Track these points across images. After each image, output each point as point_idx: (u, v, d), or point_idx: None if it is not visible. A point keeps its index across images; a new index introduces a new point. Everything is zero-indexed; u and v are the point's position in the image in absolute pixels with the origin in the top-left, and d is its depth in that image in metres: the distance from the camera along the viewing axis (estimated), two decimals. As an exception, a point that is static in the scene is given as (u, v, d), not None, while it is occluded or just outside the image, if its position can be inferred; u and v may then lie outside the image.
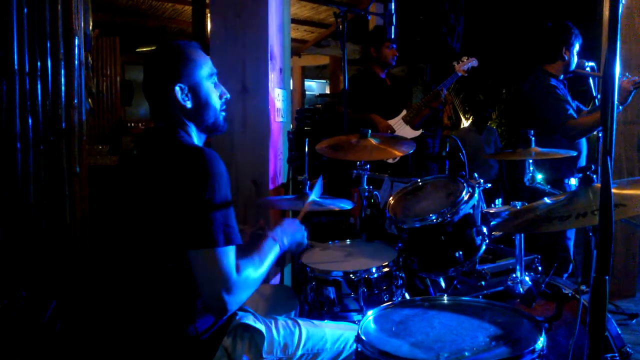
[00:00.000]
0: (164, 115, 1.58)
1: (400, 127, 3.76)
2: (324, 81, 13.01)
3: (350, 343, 1.65)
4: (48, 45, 3.01)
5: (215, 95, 1.63)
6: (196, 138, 1.62)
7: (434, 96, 3.74)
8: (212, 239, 1.36)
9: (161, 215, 1.42)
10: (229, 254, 1.39)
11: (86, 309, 3.05)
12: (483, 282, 2.21)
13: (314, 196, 2.00)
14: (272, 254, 1.58)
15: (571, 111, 2.99)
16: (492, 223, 1.90)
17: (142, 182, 1.50)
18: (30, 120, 2.99)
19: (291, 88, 11.03)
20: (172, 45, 1.59)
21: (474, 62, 3.78)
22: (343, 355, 1.64)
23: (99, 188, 3.42)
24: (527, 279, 2.09)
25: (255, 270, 1.48)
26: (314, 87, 13.71)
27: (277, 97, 2.89)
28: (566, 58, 3.13)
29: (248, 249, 1.53)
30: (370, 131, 2.25)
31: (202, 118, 1.60)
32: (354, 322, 1.83)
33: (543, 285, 1.46)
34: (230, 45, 2.85)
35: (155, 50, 1.62)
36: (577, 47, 3.17)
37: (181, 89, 1.55)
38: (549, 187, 2.08)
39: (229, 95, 1.67)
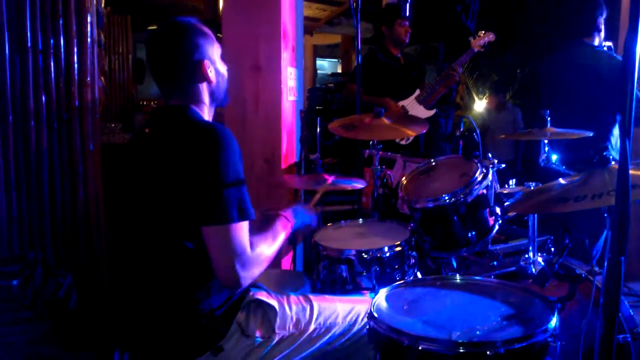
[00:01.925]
0: (181, 93, 1.58)
1: (414, 107, 3.73)
2: (336, 60, 12.93)
3: (362, 316, 1.65)
4: (61, 22, 3.01)
5: (225, 69, 1.69)
6: (207, 114, 1.64)
7: (448, 74, 3.69)
8: (226, 214, 1.39)
9: (176, 193, 1.44)
10: (243, 229, 1.42)
11: (101, 284, 3.10)
12: (495, 263, 2.21)
13: (325, 186, 2.01)
14: (283, 232, 1.63)
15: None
16: (505, 204, 1.89)
17: (156, 160, 1.52)
18: (44, 98, 3.01)
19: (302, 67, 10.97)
20: (192, 23, 1.59)
21: (490, 37, 3.70)
22: (355, 329, 1.65)
23: (112, 166, 3.44)
24: (539, 259, 2.09)
25: (268, 247, 1.52)
26: (326, 66, 13.62)
27: (290, 75, 2.88)
28: (601, 28, 3.01)
29: (261, 227, 1.56)
30: (383, 110, 2.23)
31: (219, 92, 1.66)
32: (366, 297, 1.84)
33: (556, 266, 1.46)
34: (243, 23, 2.84)
35: (168, 27, 1.59)
36: (603, 19, 3.06)
37: (208, 64, 1.58)
38: (564, 167, 2.06)
39: (225, 73, 1.71)
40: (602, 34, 3.02)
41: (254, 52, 2.84)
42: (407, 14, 2.66)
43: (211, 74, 1.60)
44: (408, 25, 3.73)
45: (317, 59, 11.73)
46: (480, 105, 8.71)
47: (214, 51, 1.62)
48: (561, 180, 1.58)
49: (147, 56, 1.60)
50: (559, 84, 3.04)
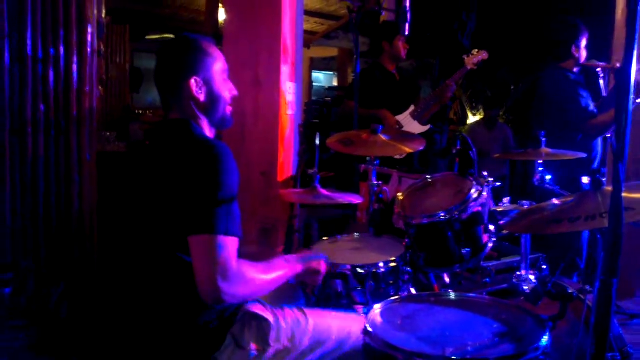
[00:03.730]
0: (177, 107, 1.62)
1: (409, 122, 3.76)
2: (332, 73, 13.00)
3: (356, 333, 1.66)
4: (62, 32, 3.03)
5: (226, 91, 1.68)
6: (207, 131, 1.66)
7: (443, 90, 3.74)
8: (212, 225, 1.38)
9: (171, 205, 1.46)
10: (229, 244, 1.40)
11: (94, 294, 3.09)
12: (488, 279, 2.24)
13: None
14: (279, 270, 1.59)
15: (592, 108, 3.01)
16: (500, 222, 1.92)
17: (154, 172, 1.54)
18: (42, 107, 3.02)
19: (299, 79, 11.02)
20: (189, 38, 1.63)
21: (484, 55, 3.77)
22: (347, 345, 1.66)
23: (107, 174, 3.44)
24: (531, 277, 2.11)
25: (256, 273, 1.48)
26: (321, 78, 13.69)
27: (289, 90, 2.91)
28: (576, 55, 3.16)
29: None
30: (381, 127, 2.26)
31: (214, 112, 1.65)
32: (359, 314, 1.85)
33: (549, 285, 1.48)
34: (243, 37, 2.87)
35: (172, 41, 1.67)
36: (584, 41, 3.19)
37: (196, 81, 1.59)
38: (557, 187, 2.09)
39: (236, 92, 1.72)
40: (582, 56, 3.16)
41: (254, 66, 2.88)
42: (407, 32, 2.71)
43: (199, 92, 1.60)
44: (405, 42, 3.79)
45: (313, 71, 11.79)
46: (472, 121, 8.79)
47: (214, 70, 1.63)
48: (555, 201, 1.61)
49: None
50: (543, 105, 3.19)
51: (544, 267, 2.28)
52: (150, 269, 1.55)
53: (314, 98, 10.23)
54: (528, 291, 2.06)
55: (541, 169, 2.11)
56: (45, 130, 3.02)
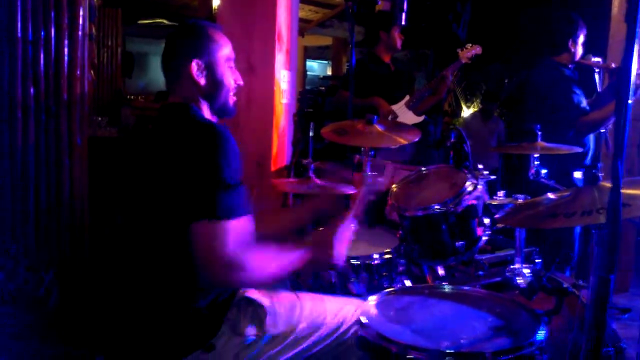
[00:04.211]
0: (179, 90, 1.62)
1: (403, 112, 3.75)
2: (326, 62, 12.94)
3: (350, 317, 1.65)
4: (52, 14, 2.99)
5: (230, 78, 1.68)
6: (208, 114, 1.65)
7: (439, 82, 3.73)
8: (214, 210, 1.36)
9: (171, 189, 1.44)
10: (234, 228, 1.38)
11: (85, 280, 3.07)
12: (481, 272, 2.24)
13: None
14: (298, 260, 1.55)
15: (584, 105, 3.01)
16: (495, 215, 1.92)
17: (154, 157, 1.53)
18: (32, 90, 2.98)
19: (292, 68, 10.95)
20: (196, 23, 1.65)
21: (477, 50, 3.78)
22: (342, 329, 1.64)
23: (98, 159, 3.41)
24: (526, 271, 2.11)
25: (268, 259, 1.46)
26: (315, 67, 13.64)
27: (283, 78, 2.88)
28: (572, 50, 3.15)
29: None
30: (376, 118, 2.24)
31: (214, 98, 1.65)
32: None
33: (544, 279, 1.48)
34: (238, 23, 2.84)
35: (180, 25, 1.69)
36: (582, 38, 3.18)
37: (198, 65, 1.60)
38: (553, 181, 2.09)
39: (241, 82, 1.72)
40: (578, 52, 3.15)
41: (248, 53, 2.84)
42: (404, 22, 2.68)
43: (200, 75, 1.60)
44: (401, 32, 3.77)
45: (307, 60, 11.72)
46: (466, 113, 8.79)
47: (218, 56, 1.63)
48: (550, 195, 1.60)
49: None
50: (536, 99, 3.18)
51: (538, 260, 2.28)
52: (144, 254, 1.54)
53: (308, 87, 10.18)
54: (522, 285, 2.06)
55: (537, 162, 2.10)
56: (36, 115, 2.99)
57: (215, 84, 1.63)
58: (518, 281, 2.09)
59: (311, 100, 4.97)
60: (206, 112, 1.64)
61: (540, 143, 2.12)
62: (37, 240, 3.01)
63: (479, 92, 8.47)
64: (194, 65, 1.59)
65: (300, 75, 10.68)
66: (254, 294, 1.58)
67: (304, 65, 11.09)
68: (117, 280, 1.67)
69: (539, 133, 2.12)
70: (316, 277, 1.92)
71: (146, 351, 1.53)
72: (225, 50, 1.65)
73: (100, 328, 2.45)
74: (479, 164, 2.09)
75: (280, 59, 2.84)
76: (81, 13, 3.09)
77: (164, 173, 1.45)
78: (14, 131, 2.91)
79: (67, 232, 3.09)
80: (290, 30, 2.95)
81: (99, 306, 2.70)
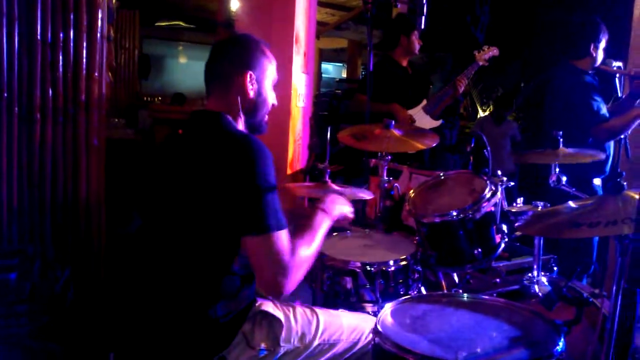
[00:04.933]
0: (221, 98, 1.62)
1: (421, 117, 3.72)
2: (341, 64, 12.93)
3: (366, 334, 1.65)
4: (72, 17, 3.00)
5: (271, 97, 1.71)
6: (241, 126, 1.66)
7: (456, 85, 3.70)
8: (268, 225, 1.40)
9: (204, 199, 1.45)
10: (283, 236, 1.42)
11: (100, 281, 3.08)
12: (498, 280, 2.21)
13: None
14: (323, 227, 1.61)
15: (604, 112, 2.96)
16: (514, 224, 1.89)
17: (186, 165, 1.52)
18: (50, 92, 3.00)
19: (308, 70, 10.95)
20: (252, 37, 1.67)
21: (494, 52, 3.75)
22: (358, 346, 1.65)
23: (114, 161, 3.43)
24: (543, 279, 2.08)
25: (308, 248, 1.51)
26: (330, 69, 13.63)
27: (300, 81, 2.87)
28: (594, 55, 3.10)
29: (299, 224, 1.56)
30: (394, 122, 2.23)
31: (255, 112, 1.67)
32: (369, 312, 1.83)
33: (564, 290, 1.45)
34: (255, 26, 2.83)
35: (234, 37, 1.74)
36: (603, 42, 3.13)
37: (251, 76, 1.61)
38: (574, 189, 2.05)
39: (276, 103, 1.74)
40: (599, 57, 3.10)
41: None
42: (423, 26, 2.67)
43: (251, 87, 1.62)
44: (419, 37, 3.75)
45: (322, 62, 11.73)
46: (482, 116, 8.71)
47: (267, 73, 1.66)
48: (571, 203, 1.57)
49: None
50: (554, 104, 3.14)
51: (555, 268, 2.25)
52: (166, 261, 1.54)
53: (323, 89, 10.17)
54: (539, 293, 2.04)
55: (557, 169, 2.06)
56: (54, 116, 3.00)
57: (260, 99, 1.66)
58: (536, 290, 2.06)
59: (326, 103, 4.96)
60: (240, 125, 1.64)
61: (563, 150, 2.08)
62: (54, 239, 3.03)
63: (496, 95, 8.40)
64: (248, 77, 1.60)
65: (315, 78, 10.69)
66: (269, 307, 1.57)
67: (319, 67, 11.09)
68: (134, 283, 1.67)
69: (561, 140, 2.08)
70: (331, 284, 1.91)
71: (158, 356, 1.53)
72: (273, 69, 1.69)
73: (114, 328, 2.46)
74: (496, 167, 2.06)
75: (297, 62, 2.83)
76: (99, 15, 3.10)
77: (201, 184, 1.46)
78: (32, 132, 2.93)
79: (83, 232, 3.11)
80: (307, 34, 2.94)
81: (113, 306, 2.71)
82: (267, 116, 1.73)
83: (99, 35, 3.12)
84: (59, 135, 3.01)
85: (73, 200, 3.11)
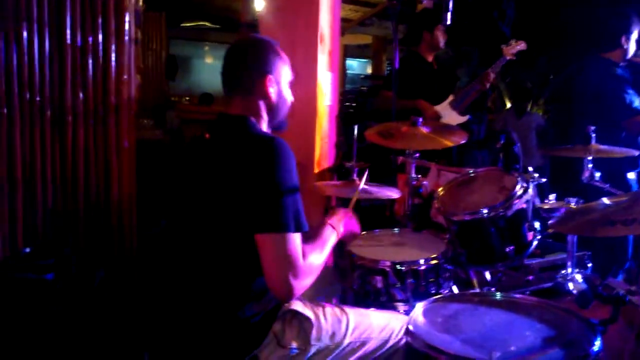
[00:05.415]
0: (243, 103, 1.64)
1: (448, 112, 3.68)
2: (366, 60, 12.87)
3: (397, 332, 1.64)
4: (100, 21, 3.05)
5: (289, 96, 1.75)
6: (265, 128, 1.68)
7: (483, 80, 3.64)
8: (284, 224, 1.41)
9: (233, 200, 1.47)
10: (297, 240, 1.44)
11: (132, 280, 3.13)
12: (531, 277, 2.18)
13: (362, 185, 1.99)
14: (330, 241, 1.63)
15: (637, 104, 2.89)
16: (547, 221, 1.85)
17: (214, 167, 1.55)
18: (81, 95, 3.06)
19: (332, 67, 10.94)
20: (265, 40, 1.70)
21: (522, 46, 3.68)
22: (389, 345, 1.64)
23: (144, 161, 3.48)
24: (578, 276, 2.04)
25: (318, 257, 1.53)
26: (355, 66, 13.58)
27: (325, 80, 2.87)
28: (625, 47, 3.03)
29: (308, 236, 1.57)
30: (421, 120, 2.21)
31: (277, 113, 1.70)
32: (400, 312, 1.82)
33: (600, 288, 1.42)
34: (280, 26, 2.84)
35: (248, 40, 1.75)
36: (636, 34, 3.05)
37: (271, 80, 1.64)
38: (608, 185, 2.00)
39: (293, 99, 1.77)
40: (630, 49, 3.03)
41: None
42: (448, 22, 2.63)
43: (272, 90, 1.64)
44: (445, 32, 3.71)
45: (347, 59, 11.69)
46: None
47: (283, 73, 1.69)
48: (605, 200, 1.53)
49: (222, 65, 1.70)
50: (585, 97, 3.07)
51: (590, 265, 2.20)
52: (198, 261, 1.57)
53: (348, 86, 10.15)
54: (574, 291, 2.00)
55: (590, 165, 2.01)
56: (85, 119, 3.06)
57: (281, 100, 1.69)
58: (570, 287, 2.02)
59: (352, 100, 4.93)
60: (264, 126, 1.67)
61: (595, 146, 2.03)
62: (87, 240, 3.09)
63: (514, 91, 8.26)
64: (268, 80, 1.62)
65: (340, 75, 10.66)
66: (299, 306, 1.57)
67: (344, 64, 11.06)
68: (165, 283, 1.70)
69: (593, 135, 2.03)
70: (362, 283, 1.90)
71: (191, 355, 1.55)
72: (287, 69, 1.71)
73: (148, 328, 2.50)
74: (524, 160, 2.03)
75: (322, 60, 2.82)
76: (127, 18, 3.15)
77: (228, 185, 1.49)
78: (63, 135, 2.99)
79: (115, 233, 3.17)
80: (332, 32, 2.93)
81: (147, 307, 2.75)
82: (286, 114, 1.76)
83: (127, 38, 3.17)
84: (90, 138, 3.07)
85: (105, 201, 3.17)
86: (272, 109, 1.67)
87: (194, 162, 1.65)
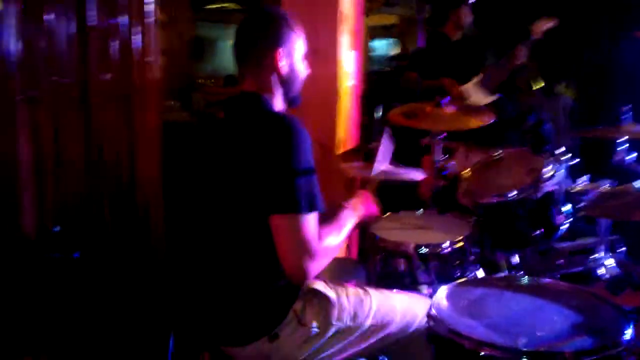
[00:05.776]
0: (255, 78, 1.60)
1: (475, 92, 3.58)
2: (391, 40, 12.68)
3: (420, 316, 1.61)
4: (124, 2, 3.04)
5: (303, 69, 1.68)
6: (279, 104, 1.64)
7: (511, 58, 3.53)
8: (297, 204, 1.38)
9: (247, 180, 1.46)
10: (312, 220, 1.41)
11: (159, 261, 3.16)
12: (561, 261, 2.11)
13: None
14: (349, 223, 1.61)
15: None
16: (578, 204, 1.79)
17: (228, 148, 1.53)
18: (106, 77, 3.06)
19: (358, 48, 10.82)
20: (277, 12, 1.65)
21: (551, 24, 3.55)
22: (411, 329, 1.61)
23: (170, 143, 3.48)
24: (609, 261, 1.97)
25: (335, 239, 1.51)
26: (381, 46, 13.39)
27: (348, 59, 2.81)
28: None
29: (326, 218, 1.54)
30: (445, 100, 2.14)
31: (291, 87, 1.65)
32: (424, 294, 1.78)
33: (634, 275, 1.36)
34: (301, 4, 2.77)
35: (259, 13, 1.67)
36: None
37: (281, 53, 1.58)
38: (640, 167, 1.91)
39: (309, 71, 1.71)
40: None
41: (313, 35, 2.74)
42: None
43: (283, 64, 1.58)
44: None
45: (372, 39, 11.54)
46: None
47: (296, 46, 1.62)
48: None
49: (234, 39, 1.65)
50: (612, 78, 2.95)
51: (623, 249, 2.12)
52: (217, 241, 1.57)
53: (374, 67, 10.01)
54: (606, 276, 1.93)
55: (623, 146, 1.91)
56: (109, 101, 3.07)
57: (294, 73, 1.63)
58: (600, 272, 1.96)
59: (377, 81, 4.85)
60: (278, 102, 1.63)
61: (630, 125, 1.93)
62: (113, 223, 3.12)
63: (546, 70, 8.03)
64: (280, 53, 1.57)
65: (365, 55, 10.52)
66: (320, 286, 1.55)
67: (369, 45, 10.92)
68: (190, 264, 1.70)
69: (627, 115, 1.93)
70: (384, 265, 1.87)
71: (214, 334, 1.56)
72: (301, 41, 1.65)
73: (173, 308, 2.52)
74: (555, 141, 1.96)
75: (345, 40, 2.75)
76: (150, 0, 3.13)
77: (242, 165, 1.47)
78: (88, 118, 3.00)
79: (141, 215, 3.19)
80: (355, 10, 2.86)
81: (172, 287, 2.77)
82: (301, 88, 1.70)
83: (151, 19, 3.16)
84: (114, 120, 3.08)
85: (129, 183, 3.19)
86: (284, 83, 1.62)
87: (208, 143, 1.63)
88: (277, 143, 1.41)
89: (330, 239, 1.48)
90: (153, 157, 3.21)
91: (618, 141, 1.91)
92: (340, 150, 2.80)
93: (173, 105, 5.82)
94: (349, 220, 1.62)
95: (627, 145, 1.92)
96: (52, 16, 2.88)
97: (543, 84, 7.30)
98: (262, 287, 1.49)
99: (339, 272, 1.92)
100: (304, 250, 1.38)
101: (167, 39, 7.16)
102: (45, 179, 2.96)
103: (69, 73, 2.92)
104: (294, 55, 1.62)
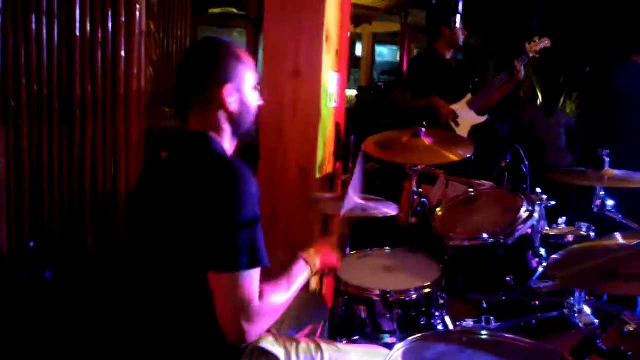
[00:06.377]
0: (201, 116, 1.50)
1: (464, 111, 3.51)
2: (396, 47, 12.60)
3: None
4: (109, 13, 2.98)
5: (254, 100, 1.57)
6: (228, 144, 1.54)
7: (515, 71, 3.43)
8: (237, 262, 1.28)
9: (186, 230, 1.35)
10: (253, 277, 1.31)
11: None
12: (537, 302, 2.02)
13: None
14: (301, 277, 1.50)
15: None
16: (554, 247, 1.70)
17: (168, 192, 1.43)
18: (89, 88, 3.00)
19: (360, 55, 10.76)
20: (221, 43, 1.52)
21: (546, 43, 3.48)
22: None
23: (159, 151, 3.41)
24: (586, 308, 1.88)
25: (281, 296, 1.41)
26: (385, 53, 13.33)
27: (331, 81, 2.73)
28: None
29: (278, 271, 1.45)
30: (424, 130, 2.06)
31: (241, 123, 1.54)
32: (384, 345, 1.70)
33: (599, 342, 1.27)
34: (284, 23, 2.70)
35: (203, 45, 1.57)
36: None
37: (229, 88, 1.48)
38: (620, 216, 1.82)
39: (261, 102, 1.60)
40: None
41: (294, 55, 2.69)
42: (457, 24, 2.46)
43: (232, 100, 1.48)
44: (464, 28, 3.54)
45: (376, 45, 11.49)
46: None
47: (245, 79, 1.52)
48: (618, 237, 1.37)
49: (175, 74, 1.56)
50: (608, 101, 2.87)
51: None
52: (153, 291, 1.47)
53: (376, 73, 9.95)
54: (580, 324, 1.84)
55: (602, 193, 1.82)
56: (93, 112, 3.01)
57: (244, 109, 1.52)
58: (577, 319, 1.87)
59: (368, 96, 4.78)
60: (226, 141, 1.53)
61: (608, 171, 1.83)
62: (94, 233, 3.06)
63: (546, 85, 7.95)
64: (227, 90, 1.47)
65: (368, 62, 10.46)
66: (268, 343, 1.46)
67: (372, 51, 10.88)
68: (130, 311, 1.60)
69: (607, 159, 1.82)
70: (347, 308, 1.79)
71: None
72: (250, 72, 1.54)
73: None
74: (550, 160, 1.87)
75: (328, 60, 2.68)
76: (138, 11, 3.08)
77: (181, 212, 1.36)
78: (71, 129, 2.95)
79: (122, 226, 3.12)
80: (341, 31, 2.78)
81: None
82: (254, 120, 1.59)
83: (137, 30, 3.10)
84: (98, 131, 3.03)
85: (112, 194, 3.13)
86: (234, 120, 1.51)
87: (149, 185, 1.52)
88: (220, 190, 1.31)
89: (275, 297, 1.38)
90: (136, 168, 3.15)
91: (598, 187, 1.82)
92: (320, 175, 2.72)
93: (167, 112, 5.76)
94: (301, 274, 1.51)
95: (603, 192, 1.83)
96: (36, 25, 2.83)
97: (541, 99, 7.22)
98: (202, 346, 1.39)
99: (301, 308, 1.82)
100: (242, 311, 1.28)
101: (167, 44, 7.13)
102: (24, 191, 2.91)
103: (52, 84, 2.87)
104: (244, 89, 1.52)
